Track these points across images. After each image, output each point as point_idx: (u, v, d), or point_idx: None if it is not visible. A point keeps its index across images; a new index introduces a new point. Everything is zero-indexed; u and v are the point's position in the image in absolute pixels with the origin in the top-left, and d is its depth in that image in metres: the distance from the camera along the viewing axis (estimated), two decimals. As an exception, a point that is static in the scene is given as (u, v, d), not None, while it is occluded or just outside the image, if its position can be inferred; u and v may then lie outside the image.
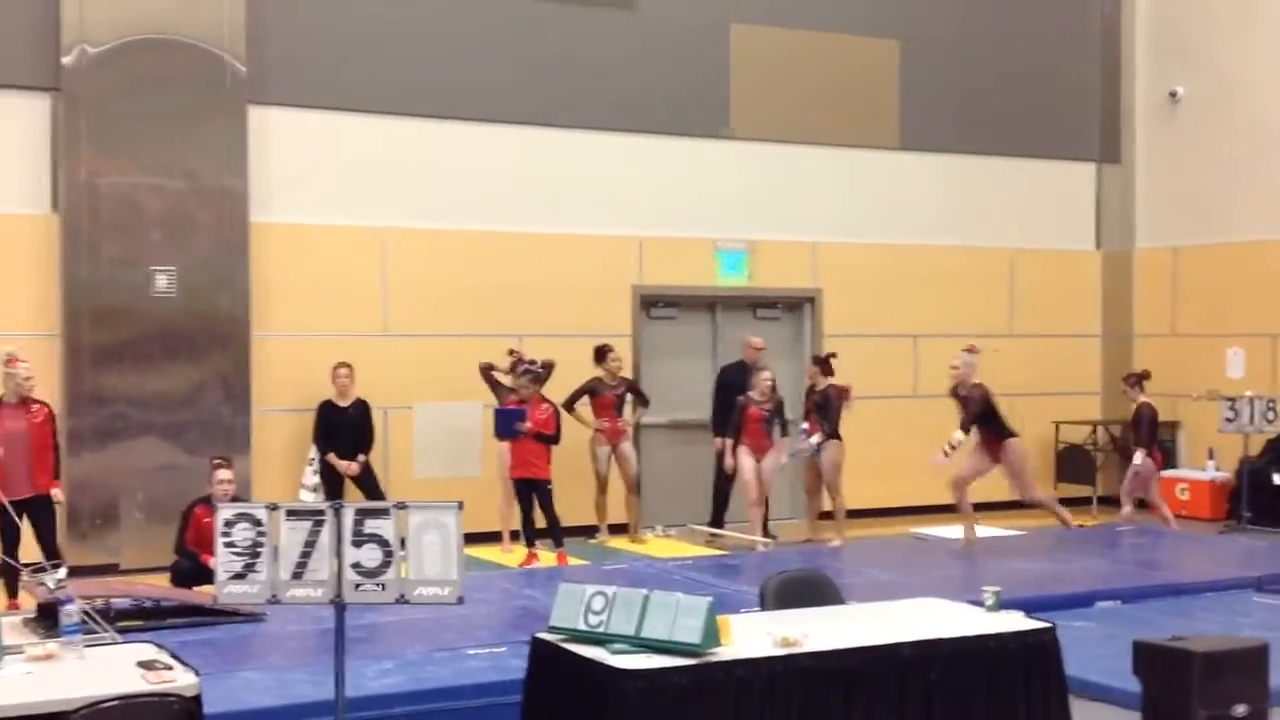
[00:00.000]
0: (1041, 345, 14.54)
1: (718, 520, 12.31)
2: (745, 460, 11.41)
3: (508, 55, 12.35)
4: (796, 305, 13.82)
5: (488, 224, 12.26)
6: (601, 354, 11.65)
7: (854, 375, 12.02)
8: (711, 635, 4.98)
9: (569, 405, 11.42)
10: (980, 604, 5.82)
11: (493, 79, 12.29)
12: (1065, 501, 12.33)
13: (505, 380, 11.13)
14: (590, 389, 11.64)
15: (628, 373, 12.17)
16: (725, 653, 5.00)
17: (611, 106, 12.80)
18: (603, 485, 11.78)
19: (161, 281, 10.84)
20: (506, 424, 10.67)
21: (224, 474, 9.18)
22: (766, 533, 11.61)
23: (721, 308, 13.54)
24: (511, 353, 11.22)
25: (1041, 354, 14.50)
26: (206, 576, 8.37)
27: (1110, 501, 13.49)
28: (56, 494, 9.27)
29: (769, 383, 11.49)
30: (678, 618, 5.02)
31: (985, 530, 11.50)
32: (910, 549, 11.48)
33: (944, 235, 14.21)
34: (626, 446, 11.77)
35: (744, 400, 11.43)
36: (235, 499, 8.82)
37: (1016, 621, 5.63)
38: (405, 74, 11.97)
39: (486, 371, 11.21)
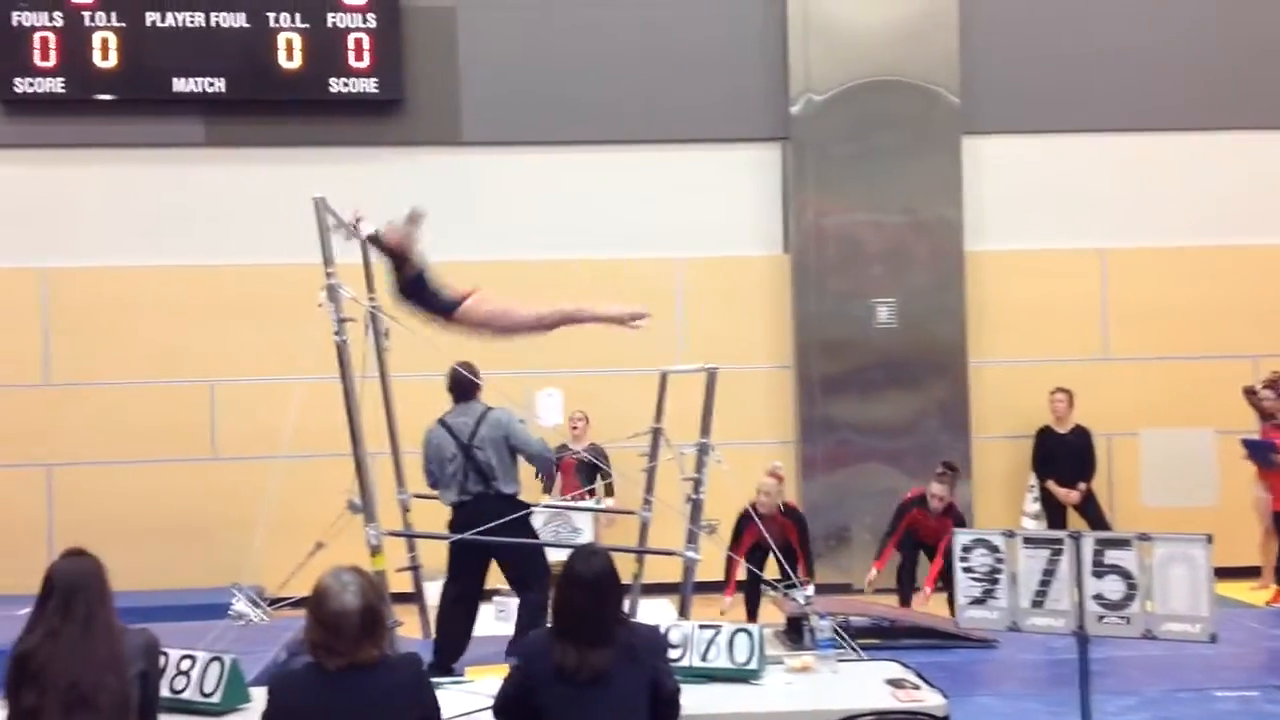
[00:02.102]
0: None
1: None
2: None
3: (1227, 57, 11.56)
4: None
5: (1217, 238, 11.52)
6: None
7: None
8: None
9: None
10: None
11: (1210, 81, 11.56)
12: None
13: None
14: None
15: None
16: None
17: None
18: None
19: (883, 313, 11.29)
20: (1258, 455, 9.92)
21: (936, 488, 9.29)
22: None
23: None
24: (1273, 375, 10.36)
25: None
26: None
27: None
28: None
29: None
30: None
31: None
32: None
33: None
34: None
35: None
36: (955, 520, 9.02)
37: None
38: (1117, 90, 11.57)
39: (1249, 396, 10.44)
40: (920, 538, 9.43)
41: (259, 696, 4.53)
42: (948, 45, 11.35)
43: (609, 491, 10.32)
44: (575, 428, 10.67)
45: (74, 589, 4.01)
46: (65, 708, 3.87)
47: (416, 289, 7.22)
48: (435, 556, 8.40)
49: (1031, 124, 11.60)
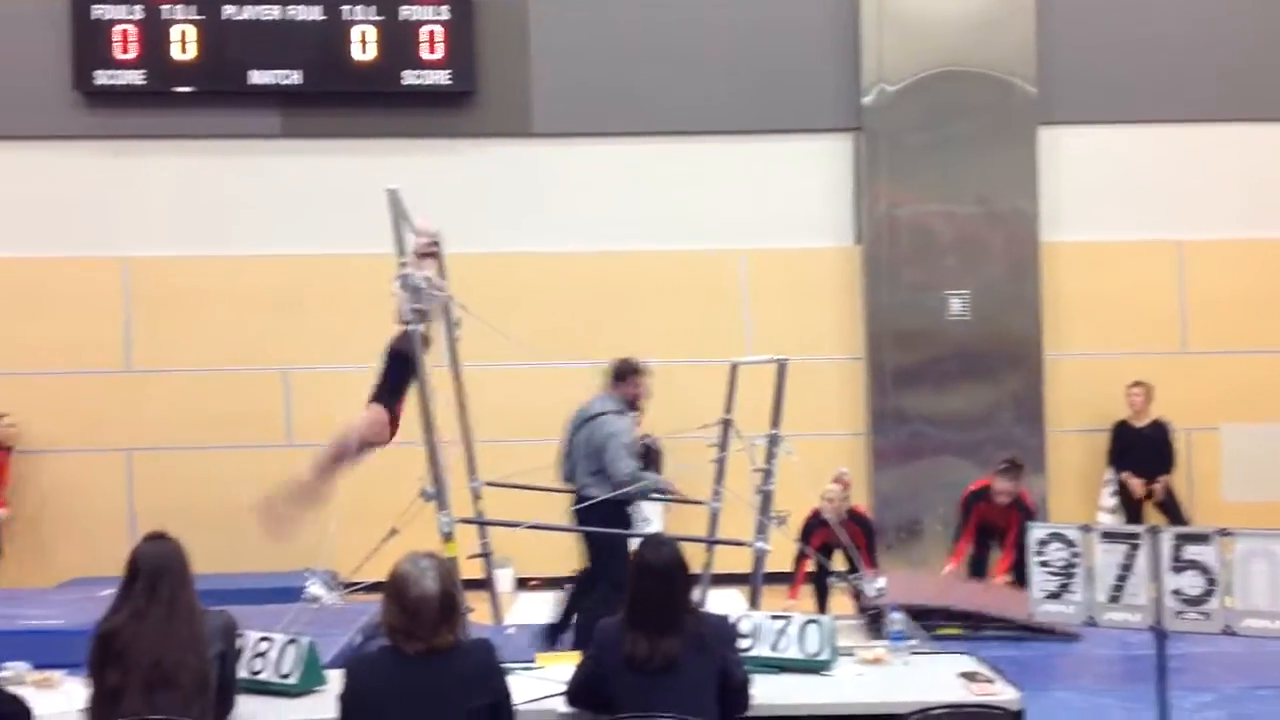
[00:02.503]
0: None
1: None
2: None
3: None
4: None
5: (1300, 230, 11.30)
6: None
7: None
8: None
9: None
10: None
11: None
12: None
13: None
14: None
15: None
16: None
17: None
18: None
19: (955, 305, 11.18)
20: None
21: (1001, 484, 9.16)
22: None
23: None
24: None
25: None
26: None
27: None
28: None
29: None
30: None
31: None
32: None
33: None
34: None
35: None
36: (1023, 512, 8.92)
37: None
38: (1196, 79, 11.37)
39: None
40: (990, 524, 9.33)
41: (334, 679, 4.58)
42: (1024, 34, 11.20)
43: None
44: None
45: (159, 571, 4.08)
46: (148, 686, 3.95)
47: (402, 352, 6.59)
48: (506, 544, 8.45)
49: (1109, 114, 11.42)
